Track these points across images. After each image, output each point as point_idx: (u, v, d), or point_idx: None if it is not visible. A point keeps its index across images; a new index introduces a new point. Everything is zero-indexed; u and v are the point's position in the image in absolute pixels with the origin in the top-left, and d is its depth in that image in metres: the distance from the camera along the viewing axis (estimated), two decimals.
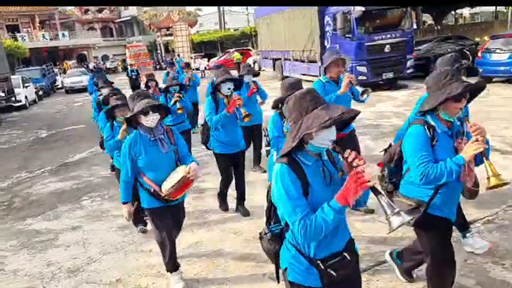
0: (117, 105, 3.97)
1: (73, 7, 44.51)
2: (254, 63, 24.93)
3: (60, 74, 29.16)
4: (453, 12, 26.65)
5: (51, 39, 38.81)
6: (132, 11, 45.17)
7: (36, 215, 5.22)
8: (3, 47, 16.17)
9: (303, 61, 15.05)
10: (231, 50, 30.17)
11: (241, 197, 4.48)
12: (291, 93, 2.80)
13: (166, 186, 2.88)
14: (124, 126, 3.75)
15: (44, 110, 16.91)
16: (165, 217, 3.08)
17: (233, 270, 3.40)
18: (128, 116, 2.96)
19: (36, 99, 19.94)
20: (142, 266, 3.64)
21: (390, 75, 12.35)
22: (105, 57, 44.17)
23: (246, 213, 4.40)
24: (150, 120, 2.89)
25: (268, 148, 3.67)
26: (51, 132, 11.51)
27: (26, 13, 38.09)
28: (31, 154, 8.97)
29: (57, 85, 26.43)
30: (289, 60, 16.27)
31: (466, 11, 33.16)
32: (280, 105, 3.19)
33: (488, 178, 2.08)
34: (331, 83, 4.04)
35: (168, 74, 8.90)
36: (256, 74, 5.57)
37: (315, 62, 14.27)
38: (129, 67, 20.42)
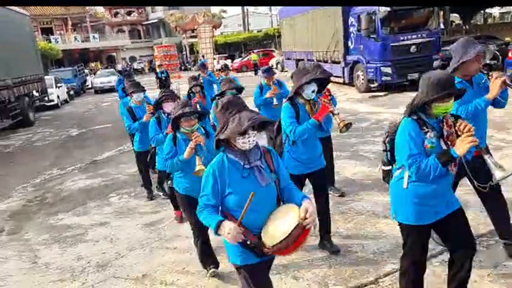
0: (183, 114, 3.12)
1: (103, 9, 45.92)
2: (277, 64, 25.02)
3: (90, 74, 30.15)
4: (482, 12, 25.76)
5: (82, 41, 40.29)
6: (159, 13, 46.17)
7: (67, 211, 5.46)
8: (38, 49, 16.84)
9: (326, 61, 14.98)
10: (255, 51, 30.37)
11: (326, 230, 3.56)
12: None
13: (273, 239, 2.01)
14: (193, 145, 3.11)
15: (75, 109, 17.55)
16: (266, 275, 2.32)
17: None
18: (221, 137, 2.06)
19: (68, 99, 20.70)
20: (167, 262, 3.76)
21: (415, 76, 12.10)
22: (132, 59, 45.35)
23: (336, 250, 3.53)
24: (248, 142, 2.06)
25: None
26: (81, 130, 11.96)
27: (59, 16, 39.67)
28: (62, 152, 9.37)
29: (88, 85, 27.35)
30: (313, 60, 16.21)
31: (495, 10, 31.98)
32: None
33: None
34: (464, 83, 3.08)
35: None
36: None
37: (338, 62, 14.18)
38: (157, 68, 20.85)
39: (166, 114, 4.39)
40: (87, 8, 40.87)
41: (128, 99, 5.79)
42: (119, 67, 36.10)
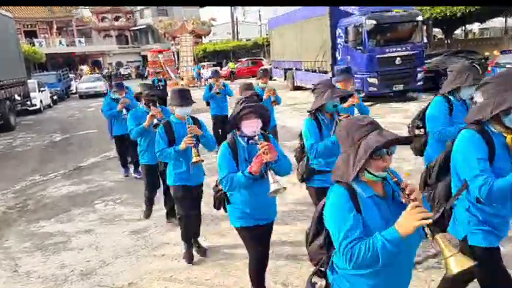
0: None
1: (90, 13, 45.54)
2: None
3: (75, 79, 29.72)
4: (463, 28, 26.59)
5: (67, 45, 39.75)
6: (147, 19, 46.08)
7: (49, 218, 5.32)
8: (21, 52, 16.53)
9: (314, 71, 15.17)
10: (243, 60, 30.52)
11: None
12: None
13: None
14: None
15: (59, 115, 17.22)
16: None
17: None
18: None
19: (51, 104, 20.31)
20: (154, 270, 3.70)
21: (400, 87, 12.39)
22: (119, 64, 44.97)
23: None
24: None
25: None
26: (65, 136, 11.73)
27: (44, 19, 39.12)
28: (45, 157, 9.16)
29: (72, 90, 26.92)
30: (301, 70, 16.41)
31: (475, 26, 33.07)
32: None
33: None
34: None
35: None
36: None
37: (326, 72, 14.37)
38: (145, 73, 20.44)
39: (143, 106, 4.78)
40: (74, 11, 40.45)
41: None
42: (105, 72, 35.73)
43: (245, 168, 2.57)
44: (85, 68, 38.02)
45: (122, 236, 4.54)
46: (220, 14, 56.41)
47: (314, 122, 3.12)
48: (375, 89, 12.29)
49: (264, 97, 5.76)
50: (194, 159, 3.34)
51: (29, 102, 16.27)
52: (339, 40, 13.39)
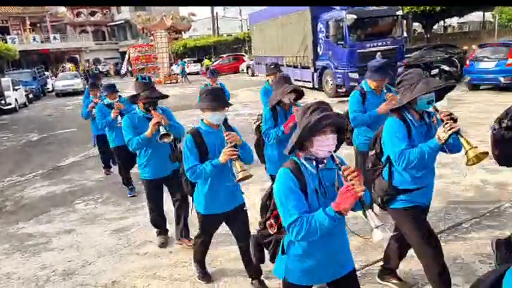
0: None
1: (65, 9, 44.27)
2: (248, 68, 25.17)
3: (51, 77, 28.89)
4: (442, 22, 27.17)
5: (42, 42, 38.54)
6: (125, 14, 45.13)
7: (28, 219, 5.19)
8: None
9: (296, 67, 15.21)
10: (224, 56, 30.35)
11: None
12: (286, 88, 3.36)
13: None
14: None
15: (35, 113, 16.75)
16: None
17: (227, 272, 3.44)
18: None
19: (27, 103, 19.72)
20: (137, 268, 3.66)
21: None
22: (96, 61, 43.96)
23: None
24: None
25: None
26: (42, 135, 11.41)
27: (16, 15, 37.79)
28: (22, 157, 8.89)
29: (48, 88, 26.19)
30: (283, 66, 16.43)
31: (454, 21, 33.85)
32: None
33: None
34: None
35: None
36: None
37: (308, 67, 14.44)
38: (124, 70, 19.75)
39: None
40: (47, 6, 39.18)
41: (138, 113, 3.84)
42: (81, 68, 34.73)
43: (319, 203, 1.87)
44: (68, 65, 36.86)
45: (103, 235, 4.47)
46: (200, 9, 55.83)
47: (403, 123, 2.46)
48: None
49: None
50: (241, 175, 2.62)
51: (3, 101, 15.77)
52: (320, 35, 13.46)
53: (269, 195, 2.07)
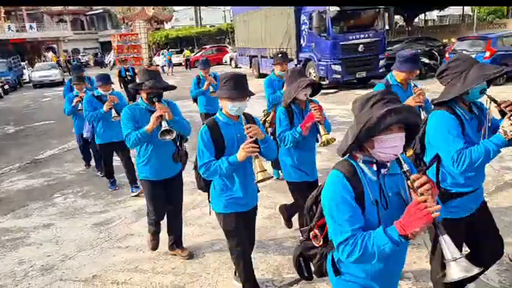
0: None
1: None
2: (231, 60, 24.97)
3: (27, 67, 27.99)
4: (423, 16, 27.57)
5: (17, 31, 37.21)
6: None
7: (5, 213, 5.05)
8: None
9: None
10: (208, 47, 30.02)
11: None
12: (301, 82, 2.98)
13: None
14: (157, 115, 3.09)
15: (11, 105, 16.22)
16: (240, 223, 2.70)
17: (211, 264, 3.43)
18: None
19: (2, 94, 19.12)
20: (119, 261, 3.61)
21: (363, 74, 12.66)
22: (75, 51, 42.79)
23: None
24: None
25: None
26: (19, 127, 11.08)
27: None
28: None
29: (25, 79, 25.40)
30: (266, 57, 16.36)
31: (434, 14, 34.38)
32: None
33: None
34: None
35: (199, 80, 6.35)
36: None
37: (291, 60, 14.41)
38: (105, 60, 18.88)
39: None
40: None
41: (140, 106, 3.37)
42: (62, 59, 33.62)
43: (379, 217, 1.53)
44: (50, 54, 35.55)
45: (84, 229, 4.39)
46: None
47: (455, 118, 2.12)
48: (339, 76, 12.49)
49: (204, 88, 5.92)
50: (260, 176, 2.34)
51: None
52: (303, 27, 13.43)
53: (315, 199, 1.73)
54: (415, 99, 3.16)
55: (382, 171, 1.56)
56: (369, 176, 1.56)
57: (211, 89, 6.09)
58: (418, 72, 3.35)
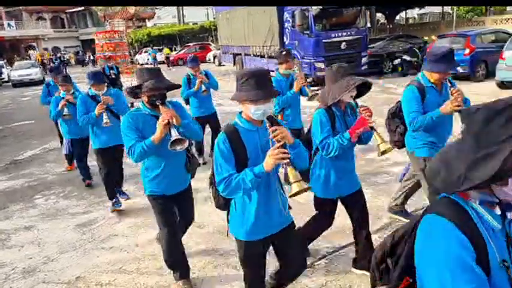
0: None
1: None
2: (214, 57, 24.87)
3: (6, 66, 27.24)
4: (404, 14, 28.01)
5: None
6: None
7: None
8: None
9: (263, 56, 15.20)
10: (191, 44, 29.81)
11: None
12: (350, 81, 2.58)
13: None
14: (165, 122, 2.61)
15: None
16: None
17: (196, 263, 3.44)
18: None
19: None
20: (103, 262, 3.59)
21: None
22: (56, 49, 41.87)
23: None
24: None
25: None
26: None
27: None
28: None
29: (3, 78, 24.72)
30: (249, 55, 16.37)
31: (415, 12, 34.96)
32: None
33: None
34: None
35: (189, 79, 5.82)
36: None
37: (274, 58, 14.45)
38: (86, 58, 18.30)
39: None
40: None
41: (142, 111, 2.96)
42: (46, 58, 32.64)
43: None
44: (34, 52, 34.42)
45: (66, 230, 4.33)
46: None
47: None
48: (323, 73, 12.59)
49: (195, 89, 5.64)
50: (295, 188, 1.94)
51: None
52: (286, 24, 13.50)
53: (391, 250, 1.32)
54: (453, 104, 2.82)
55: (509, 215, 1.09)
56: (488, 222, 1.08)
57: (203, 87, 5.69)
58: (449, 73, 3.00)
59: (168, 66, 26.09)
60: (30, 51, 35.48)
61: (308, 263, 3.22)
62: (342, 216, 3.11)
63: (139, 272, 3.40)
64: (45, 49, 40.33)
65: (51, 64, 25.51)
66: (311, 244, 3.23)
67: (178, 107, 2.94)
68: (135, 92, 2.84)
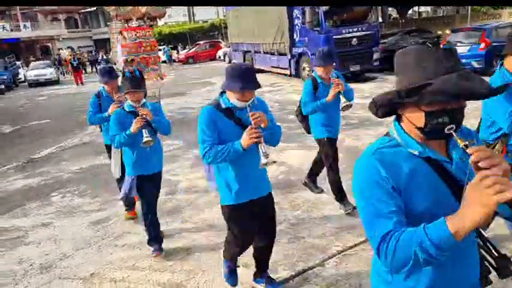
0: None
1: None
2: (224, 55, 24.93)
3: (22, 66, 27.86)
4: (416, 8, 27.54)
5: (11, 31, 36.97)
6: None
7: (2, 213, 5.10)
8: None
9: (273, 53, 15.18)
10: (201, 42, 29.94)
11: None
12: None
13: None
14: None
15: (7, 105, 16.19)
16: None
17: (207, 261, 3.50)
18: None
19: None
20: (116, 259, 3.68)
21: (357, 67, 12.67)
22: (70, 49, 42.51)
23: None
24: None
25: None
26: (15, 127, 11.09)
27: None
28: None
29: (20, 78, 25.32)
30: (260, 52, 16.37)
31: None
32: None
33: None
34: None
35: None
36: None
37: (284, 54, 14.43)
38: (99, 57, 17.69)
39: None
40: None
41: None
42: (100, 58, 32.71)
43: None
44: (65, 52, 34.52)
45: (81, 227, 4.45)
46: None
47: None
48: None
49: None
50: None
51: None
52: (296, 21, 13.44)
53: None
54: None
55: None
56: None
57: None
58: None
59: (170, 64, 26.34)
60: (61, 51, 35.74)
61: (318, 261, 3.27)
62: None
63: (152, 269, 3.47)
64: (60, 49, 40.96)
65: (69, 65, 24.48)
66: (321, 242, 3.25)
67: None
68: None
